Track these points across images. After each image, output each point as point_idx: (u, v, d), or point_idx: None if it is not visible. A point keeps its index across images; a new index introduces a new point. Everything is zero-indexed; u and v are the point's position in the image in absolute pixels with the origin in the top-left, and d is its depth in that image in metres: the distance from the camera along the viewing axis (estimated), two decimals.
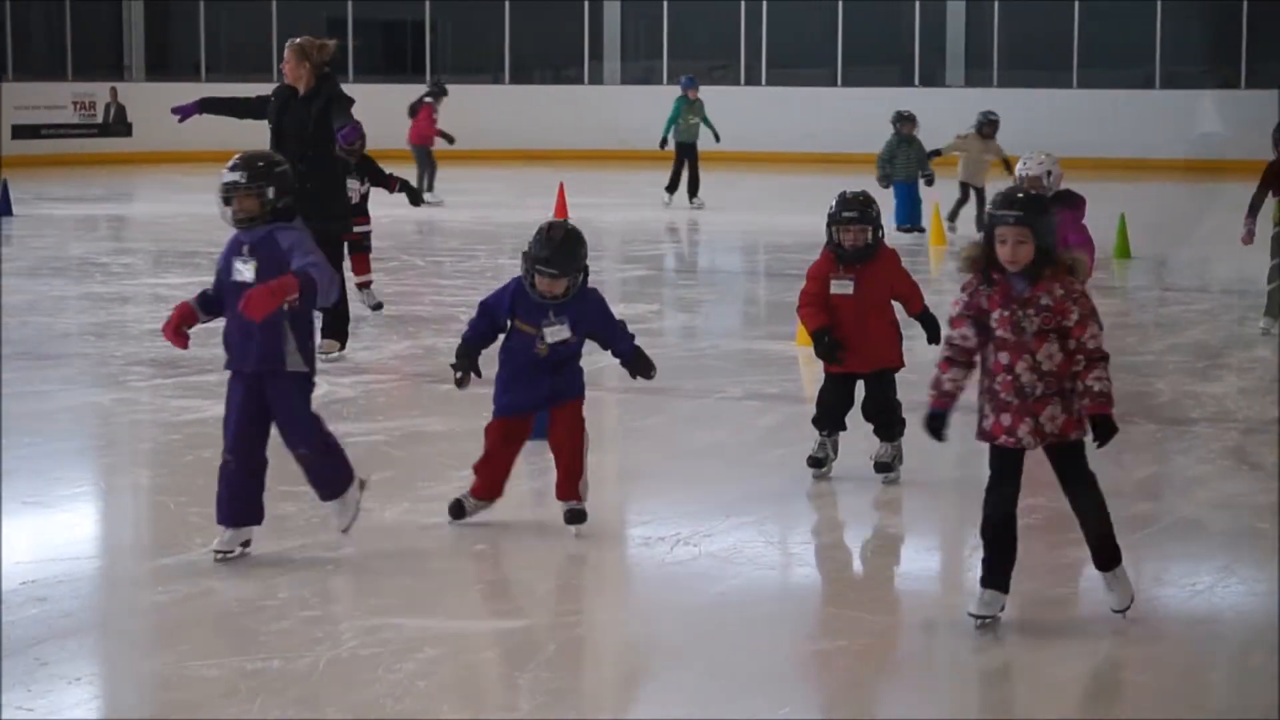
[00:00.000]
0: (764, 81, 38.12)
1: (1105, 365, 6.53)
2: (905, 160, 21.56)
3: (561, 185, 24.43)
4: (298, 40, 12.44)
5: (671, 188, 25.72)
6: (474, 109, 37.21)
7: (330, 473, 7.68)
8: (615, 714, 6.03)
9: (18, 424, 10.54)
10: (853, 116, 32.11)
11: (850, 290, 8.78)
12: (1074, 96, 35.28)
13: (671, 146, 25.83)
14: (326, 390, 11.39)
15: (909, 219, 21.36)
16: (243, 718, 5.75)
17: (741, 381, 11.67)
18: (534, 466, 8.80)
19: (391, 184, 14.60)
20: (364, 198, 14.44)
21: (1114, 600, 6.77)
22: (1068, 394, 6.56)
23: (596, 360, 12.78)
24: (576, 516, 7.96)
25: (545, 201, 24.39)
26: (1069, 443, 6.64)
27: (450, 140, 26.95)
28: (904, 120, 21.88)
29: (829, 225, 8.84)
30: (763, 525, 8.19)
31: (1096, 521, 6.77)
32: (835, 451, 9.06)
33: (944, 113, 34.68)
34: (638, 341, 8.18)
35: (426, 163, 26.63)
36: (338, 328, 12.52)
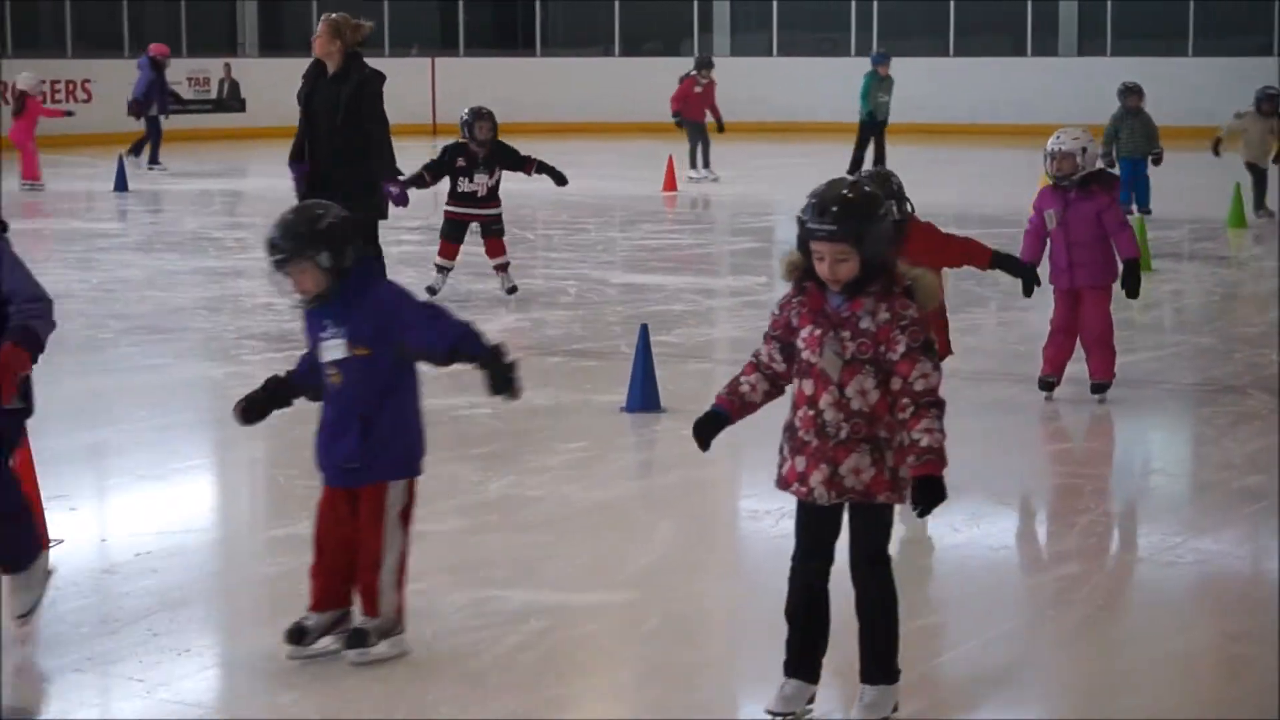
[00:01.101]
0: (852, 51, 37.88)
1: (938, 414, 5.25)
2: (1130, 135, 20.08)
3: (670, 158, 24.43)
4: (334, 16, 12.20)
5: (854, 169, 24.36)
6: (583, 82, 37.29)
7: (11, 541, 6.35)
8: (717, 688, 6.03)
9: (133, 398, 10.68)
10: (964, 87, 31.86)
11: None
12: (1189, 65, 34.87)
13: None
14: None
15: (1137, 199, 19.89)
16: (348, 690, 5.79)
17: None
18: (641, 438, 8.81)
19: (529, 166, 14.27)
20: (494, 187, 14.15)
21: (858, 710, 5.51)
22: (882, 444, 5.32)
23: (705, 332, 12.83)
24: (355, 639, 6.00)
25: (654, 174, 24.41)
26: (873, 506, 5.38)
27: (720, 125, 25.97)
28: (1130, 92, 20.26)
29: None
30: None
31: (879, 627, 5.49)
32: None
33: (1056, 83, 34.52)
34: (491, 340, 6.10)
35: (696, 136, 25.95)
36: None
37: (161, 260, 17.27)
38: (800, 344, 5.40)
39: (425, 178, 13.90)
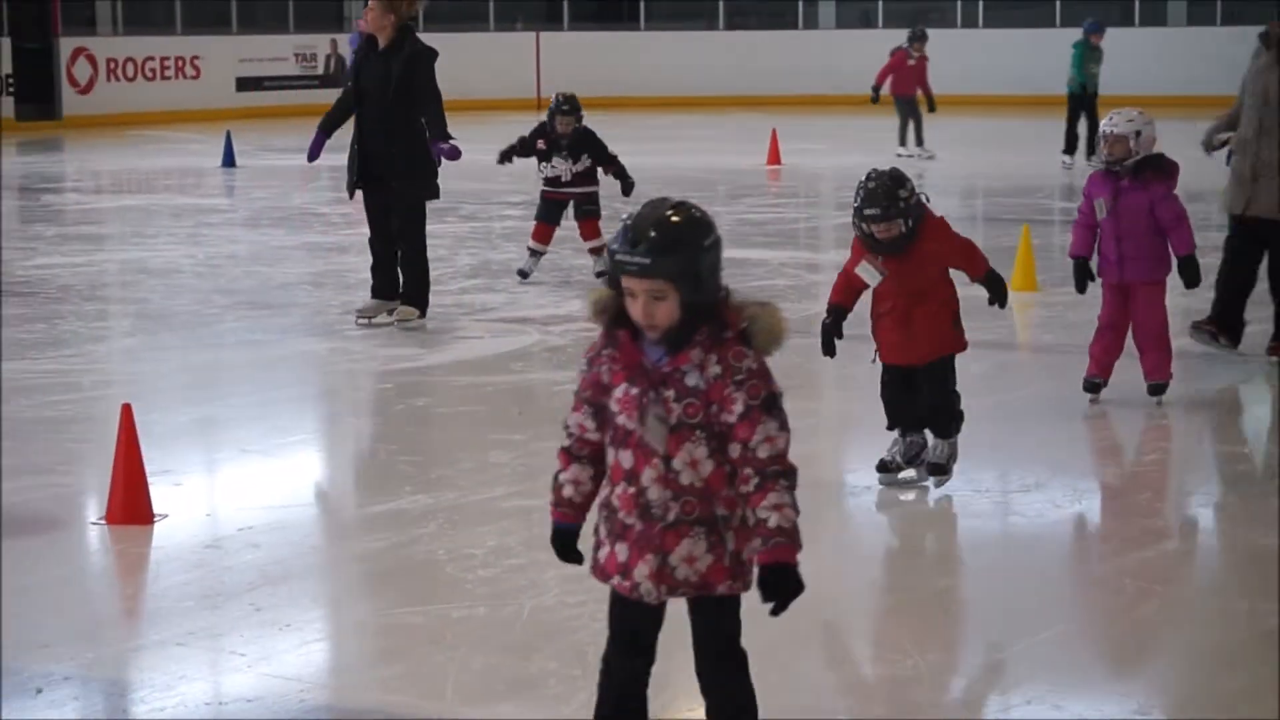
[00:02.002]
0: (981, 24, 37.63)
1: (789, 486, 4.39)
2: None
3: (774, 131, 24.34)
4: None
5: (1069, 148, 23.38)
6: (688, 55, 37.23)
7: None
8: (818, 666, 6.00)
9: (238, 373, 10.76)
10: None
11: (875, 282, 7.66)
12: None
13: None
14: (538, 339, 11.50)
15: None
16: (447, 665, 5.80)
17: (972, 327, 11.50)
18: None
19: (607, 167, 13.83)
20: (581, 173, 13.76)
21: None
22: (719, 524, 4.42)
23: (808, 306, 12.77)
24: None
25: (758, 148, 24.34)
26: (714, 600, 4.51)
27: (931, 104, 24.78)
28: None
29: (854, 219, 7.59)
30: (974, 474, 8.09)
31: None
32: (912, 458, 7.92)
33: (1165, 54, 34.13)
34: None
35: (907, 112, 24.91)
36: (416, 293, 11.93)
37: (267, 236, 17.39)
38: (614, 406, 4.40)
39: (511, 156, 13.80)
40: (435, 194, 11.92)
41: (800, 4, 39.54)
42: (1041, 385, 10.14)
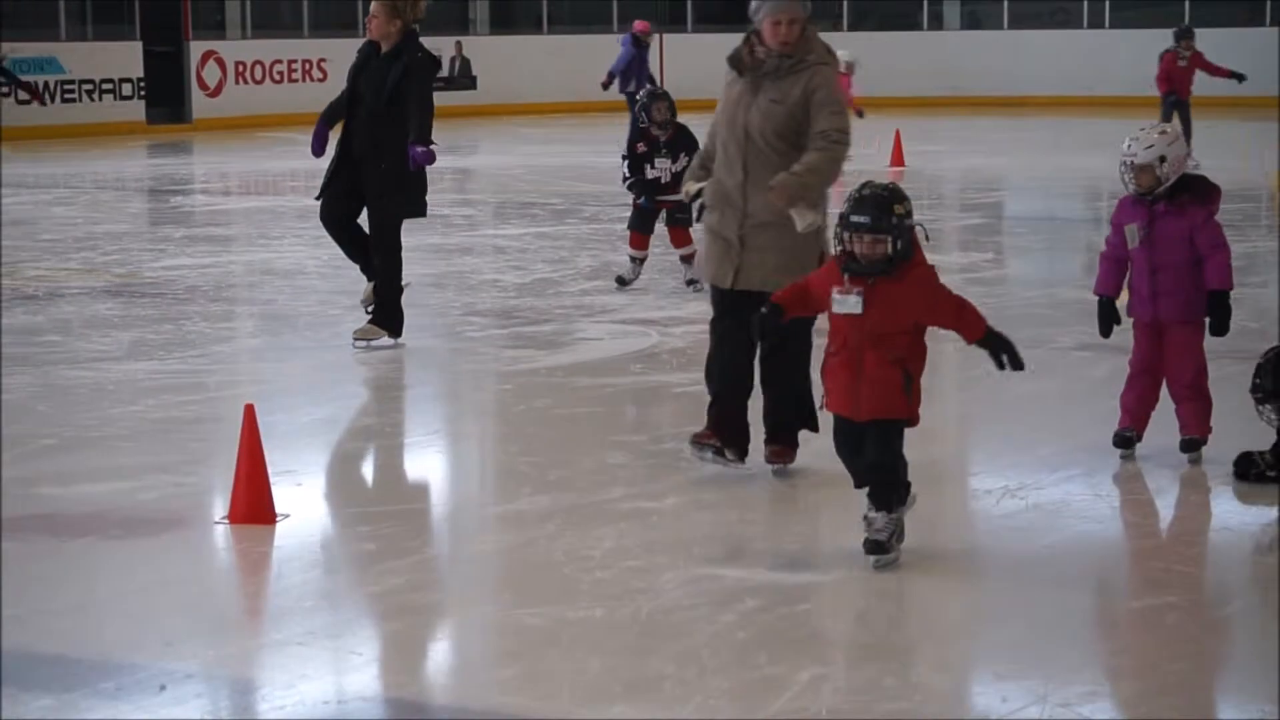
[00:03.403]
0: (1107, 24, 37.30)
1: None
2: None
3: (898, 132, 24.24)
4: None
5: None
6: None
7: None
8: (930, 669, 5.97)
9: (360, 373, 10.84)
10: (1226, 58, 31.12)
11: (858, 310, 6.75)
12: None
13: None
14: (658, 340, 11.52)
15: None
16: (564, 666, 5.83)
17: (1073, 331, 11.43)
18: None
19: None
20: (680, 173, 12.98)
21: None
22: None
23: None
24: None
25: (881, 149, 24.24)
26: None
27: (1173, 97, 23.72)
28: None
29: (837, 228, 6.83)
30: (1092, 478, 8.03)
31: None
32: (899, 538, 6.93)
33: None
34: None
35: (1175, 114, 23.43)
36: (387, 311, 11.28)
37: None
38: None
39: (640, 181, 13.45)
40: (420, 212, 11.39)
41: (925, 4, 39.34)
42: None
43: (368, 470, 8.67)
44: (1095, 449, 8.41)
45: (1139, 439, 8.40)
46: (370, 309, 11.42)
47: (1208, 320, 8.22)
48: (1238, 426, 8.28)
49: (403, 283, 11.30)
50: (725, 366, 8.10)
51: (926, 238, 6.94)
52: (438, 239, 17.19)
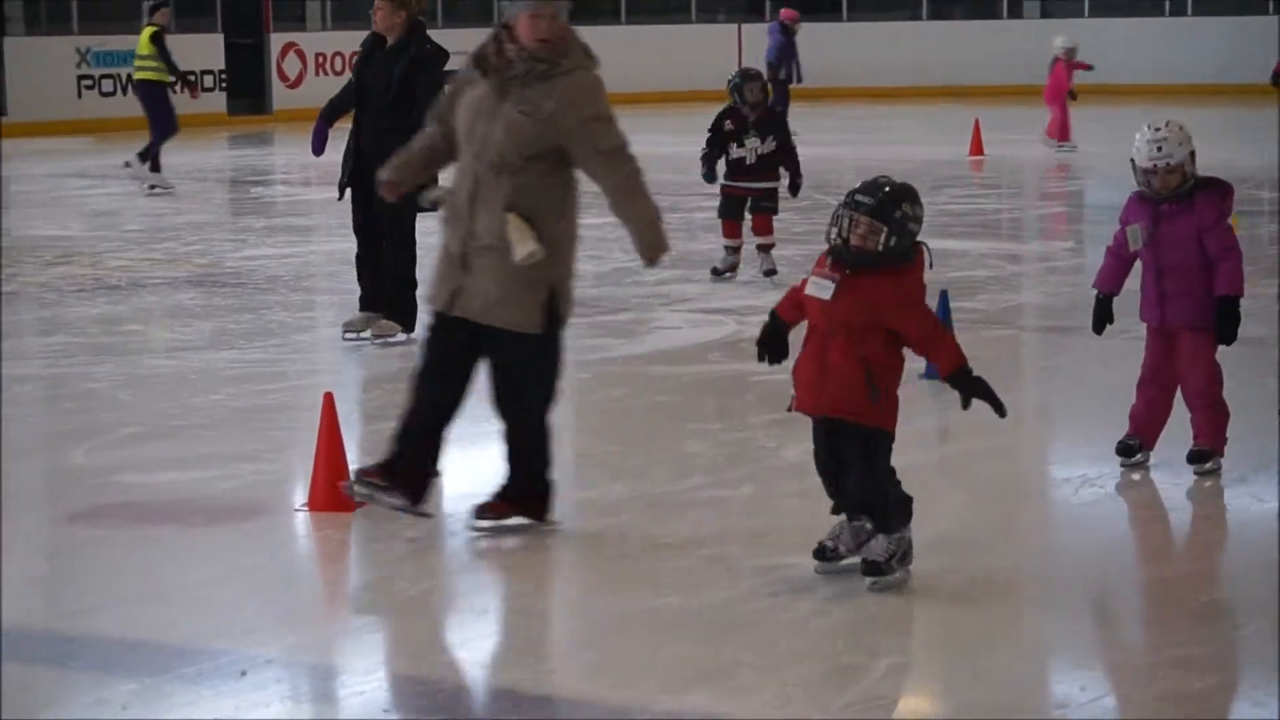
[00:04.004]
0: (1189, 11, 36.99)
1: None
2: None
3: (977, 122, 24.12)
4: None
5: None
6: (891, 46, 37.01)
7: None
8: (1010, 656, 5.96)
9: None
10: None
11: (829, 295, 6.37)
12: None
13: None
14: (735, 329, 11.52)
15: None
16: (640, 653, 5.85)
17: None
18: (938, 405, 8.74)
19: (787, 158, 13.38)
20: (767, 156, 13.37)
21: None
22: None
23: (1009, 298, 12.68)
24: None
25: (960, 138, 24.15)
26: None
27: None
28: None
29: (839, 207, 6.46)
30: (1171, 468, 7.97)
31: None
32: (862, 543, 6.55)
33: None
34: None
35: None
36: (400, 306, 11.04)
37: None
38: None
39: (713, 155, 13.34)
40: (436, 207, 11.27)
41: None
42: (1243, 376, 9.95)
43: (446, 458, 8.69)
44: (1172, 440, 8.35)
45: (1146, 448, 7.98)
46: (349, 334, 11.17)
47: (1217, 328, 7.75)
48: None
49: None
50: (422, 402, 7.20)
51: (930, 264, 6.46)
52: None
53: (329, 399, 7.56)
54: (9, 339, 11.40)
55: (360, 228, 11.19)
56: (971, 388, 6.38)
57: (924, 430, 8.56)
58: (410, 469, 7.16)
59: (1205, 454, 7.87)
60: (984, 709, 5.37)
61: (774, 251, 13.57)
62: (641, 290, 12.95)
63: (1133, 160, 7.73)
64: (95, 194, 19.53)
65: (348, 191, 11.20)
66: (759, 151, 13.26)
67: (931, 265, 6.48)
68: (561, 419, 9.64)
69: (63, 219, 18.08)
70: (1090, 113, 25.45)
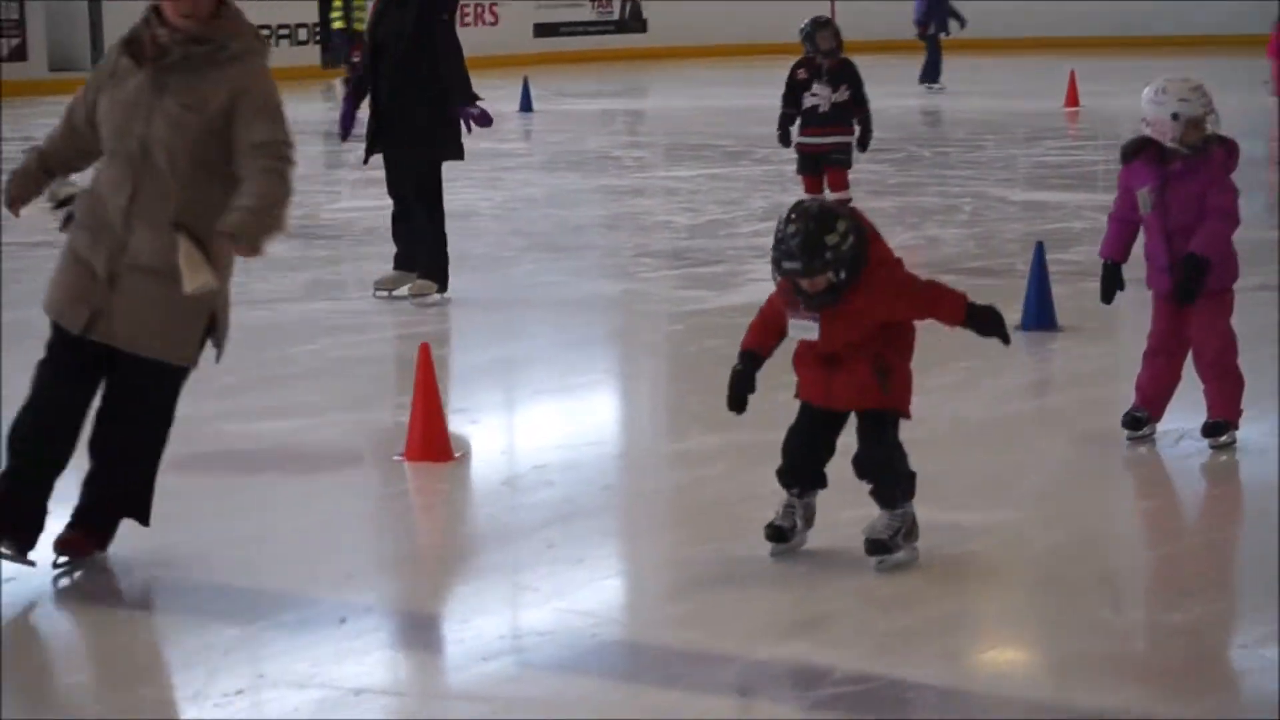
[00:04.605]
0: None
1: None
2: None
3: (1073, 73, 23.94)
4: None
5: None
6: None
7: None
8: (1111, 607, 5.94)
9: (534, 314, 10.93)
10: None
11: (815, 335, 6.14)
12: None
13: None
14: None
15: None
16: (735, 603, 5.87)
17: (1256, 271, 11.24)
18: (1035, 357, 8.69)
19: (859, 109, 13.20)
20: (841, 105, 13.24)
21: None
22: None
23: None
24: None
25: (1055, 89, 23.98)
26: None
27: None
28: None
29: (772, 266, 6.13)
30: (1270, 421, 7.90)
31: None
32: (809, 519, 6.37)
33: None
34: None
35: None
36: (433, 265, 11.03)
37: (563, 179, 17.60)
38: None
39: (789, 116, 13.29)
40: (457, 154, 10.98)
41: None
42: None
43: (541, 408, 8.74)
44: (1273, 393, 8.28)
45: (1153, 420, 7.69)
46: (380, 291, 11.08)
47: (1174, 279, 7.41)
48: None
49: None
50: (38, 433, 6.07)
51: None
52: (610, 180, 17.27)
53: (425, 349, 7.60)
54: None
55: (392, 188, 11.14)
56: (985, 324, 6.20)
57: (1020, 382, 8.53)
58: (21, 513, 6.09)
59: (1220, 426, 7.57)
60: (1086, 660, 5.35)
61: (870, 204, 13.51)
62: (736, 243, 12.93)
63: (1146, 117, 7.44)
64: None
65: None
66: (831, 99, 13.12)
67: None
68: (655, 370, 9.70)
69: None
70: (1179, 64, 25.13)
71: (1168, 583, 6.21)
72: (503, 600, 6.01)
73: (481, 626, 5.68)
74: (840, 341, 6.13)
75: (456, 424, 7.81)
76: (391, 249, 11.15)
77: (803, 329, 6.14)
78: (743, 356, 6.30)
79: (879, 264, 6.08)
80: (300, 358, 9.62)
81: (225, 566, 6.30)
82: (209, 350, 6.20)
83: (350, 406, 8.56)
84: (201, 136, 5.91)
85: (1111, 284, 7.64)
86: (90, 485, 6.19)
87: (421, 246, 10.99)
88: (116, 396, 6.11)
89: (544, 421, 8.49)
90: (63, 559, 6.12)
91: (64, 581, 6.05)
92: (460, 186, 16.82)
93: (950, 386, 8.57)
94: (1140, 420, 7.67)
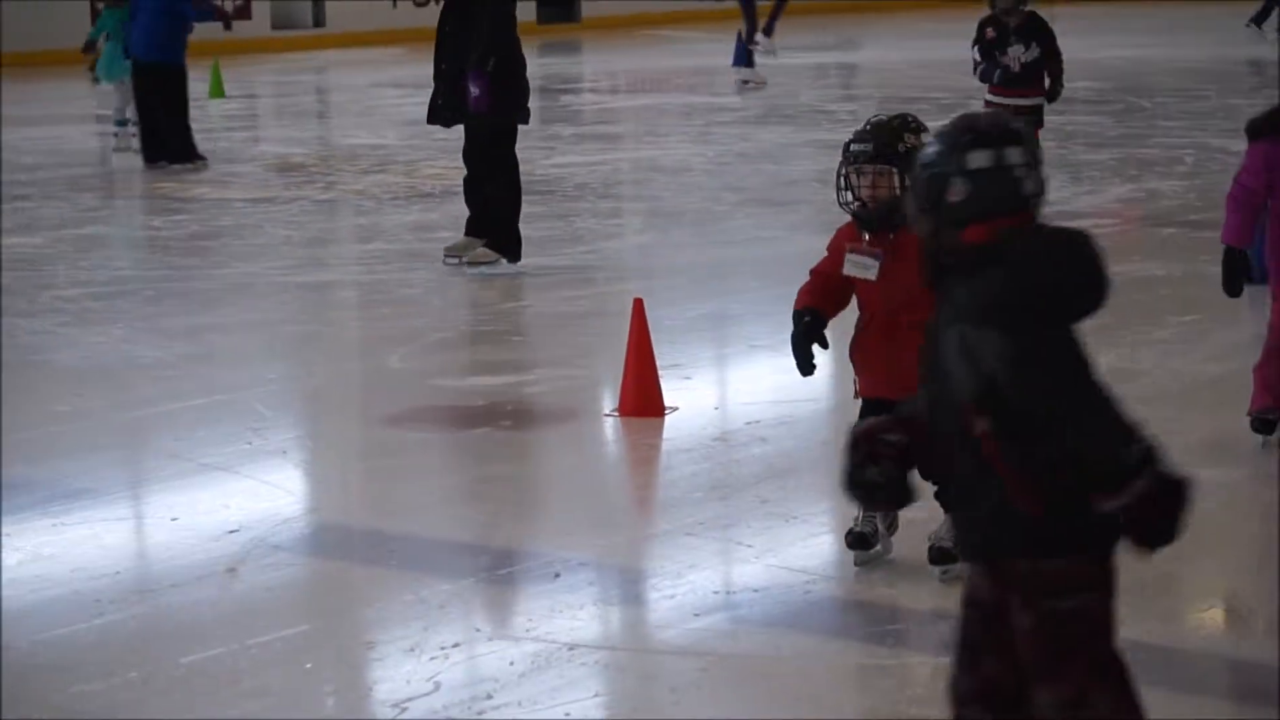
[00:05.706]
0: None
1: None
2: None
3: None
4: None
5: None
6: None
7: None
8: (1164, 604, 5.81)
9: (747, 269, 10.91)
10: None
11: (873, 275, 5.51)
12: None
13: None
14: None
15: None
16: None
17: None
18: (1257, 312, 8.48)
19: (1051, 63, 12.50)
20: (1032, 65, 12.53)
21: None
22: None
23: None
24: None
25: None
26: None
27: None
28: None
29: (839, 168, 5.54)
30: None
31: None
32: (891, 526, 5.83)
33: None
34: None
35: None
36: (501, 233, 10.78)
37: (776, 133, 17.53)
38: None
39: (991, 63, 12.69)
40: (524, 119, 10.79)
41: None
42: None
43: (754, 365, 8.72)
44: None
45: None
46: (450, 258, 10.84)
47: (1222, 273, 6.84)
48: None
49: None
50: None
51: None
52: (823, 134, 17.15)
53: (639, 305, 7.61)
54: (329, 245, 11.69)
55: (465, 153, 10.96)
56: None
57: (1242, 337, 8.35)
58: None
59: None
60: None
61: (1089, 156, 13.28)
62: None
63: None
64: (410, 103, 19.79)
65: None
66: (1022, 59, 12.67)
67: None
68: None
69: (378, 128, 18.44)
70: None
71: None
72: (715, 556, 6.01)
73: (694, 582, 5.68)
74: (900, 291, 5.43)
75: (670, 379, 7.81)
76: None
77: (861, 266, 5.52)
78: (798, 315, 5.68)
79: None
80: (512, 313, 9.69)
81: (439, 520, 6.37)
82: None
83: (562, 362, 8.60)
84: None
85: (1235, 272, 6.89)
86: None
87: (491, 212, 10.76)
88: None
89: (757, 377, 8.46)
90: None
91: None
92: (673, 142, 16.86)
93: (1171, 340, 8.41)
94: (1272, 423, 6.92)
